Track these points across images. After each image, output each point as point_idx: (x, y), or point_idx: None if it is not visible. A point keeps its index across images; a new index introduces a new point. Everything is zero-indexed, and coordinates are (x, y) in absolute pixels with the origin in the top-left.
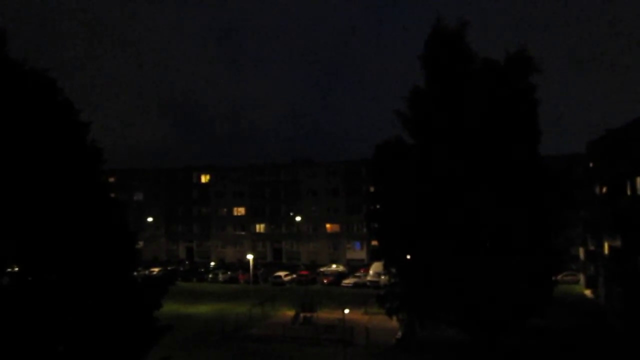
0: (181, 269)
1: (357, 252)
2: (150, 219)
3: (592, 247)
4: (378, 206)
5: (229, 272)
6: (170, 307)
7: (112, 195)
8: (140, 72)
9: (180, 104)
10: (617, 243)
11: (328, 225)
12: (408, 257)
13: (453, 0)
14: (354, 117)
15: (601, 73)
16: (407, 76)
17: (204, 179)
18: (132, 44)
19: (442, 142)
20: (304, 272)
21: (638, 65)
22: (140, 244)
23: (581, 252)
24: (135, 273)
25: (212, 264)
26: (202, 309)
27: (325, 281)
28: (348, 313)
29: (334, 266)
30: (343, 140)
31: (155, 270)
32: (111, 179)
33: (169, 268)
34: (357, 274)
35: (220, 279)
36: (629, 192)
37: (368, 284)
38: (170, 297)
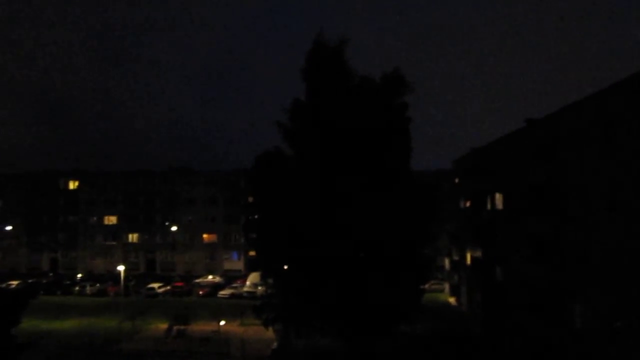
0: (44, 281)
1: (235, 263)
2: (9, 228)
3: (456, 258)
4: (256, 216)
5: (97, 285)
6: (31, 323)
7: None
8: (6, 65)
9: (51, 103)
10: (478, 254)
11: (205, 235)
12: (285, 267)
13: (337, 15)
14: (234, 127)
15: (467, 94)
16: (292, 88)
17: (72, 185)
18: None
19: (319, 154)
20: (179, 284)
21: (501, 90)
22: None
23: (446, 262)
24: None
25: (80, 275)
26: (68, 324)
27: (201, 292)
28: (224, 324)
29: (210, 277)
30: (222, 149)
31: (14, 283)
32: None
33: (29, 281)
34: (234, 285)
35: (88, 291)
36: (489, 207)
37: (245, 294)
38: (32, 312)
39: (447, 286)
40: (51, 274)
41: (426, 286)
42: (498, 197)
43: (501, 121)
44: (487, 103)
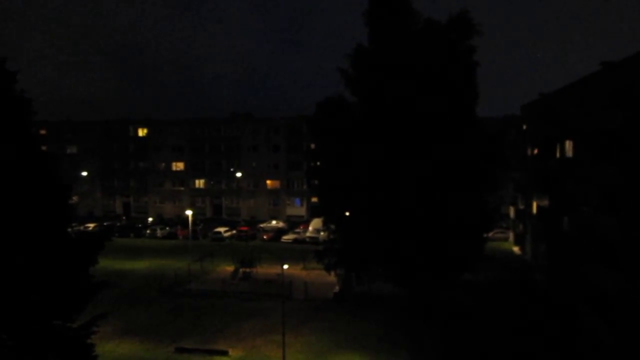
0: (118, 224)
1: (297, 209)
2: (84, 173)
3: (521, 206)
4: (318, 163)
5: (167, 228)
6: (106, 263)
7: (43, 148)
8: (79, 18)
9: (124, 54)
10: (545, 203)
11: (268, 182)
12: (347, 213)
13: None
14: (299, 74)
15: (540, 39)
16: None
17: (142, 132)
18: None
19: (382, 101)
20: (244, 228)
21: (572, 34)
22: (75, 198)
23: (511, 211)
24: (69, 228)
25: (150, 219)
26: (140, 264)
27: (265, 237)
28: (287, 268)
29: (274, 222)
30: (285, 96)
31: (91, 225)
32: (42, 132)
33: (105, 223)
34: (297, 230)
35: (159, 234)
36: (558, 155)
37: (307, 240)
38: (107, 253)
39: (511, 235)
40: (124, 217)
41: (490, 234)
42: (568, 144)
43: (573, 68)
44: (559, 48)
